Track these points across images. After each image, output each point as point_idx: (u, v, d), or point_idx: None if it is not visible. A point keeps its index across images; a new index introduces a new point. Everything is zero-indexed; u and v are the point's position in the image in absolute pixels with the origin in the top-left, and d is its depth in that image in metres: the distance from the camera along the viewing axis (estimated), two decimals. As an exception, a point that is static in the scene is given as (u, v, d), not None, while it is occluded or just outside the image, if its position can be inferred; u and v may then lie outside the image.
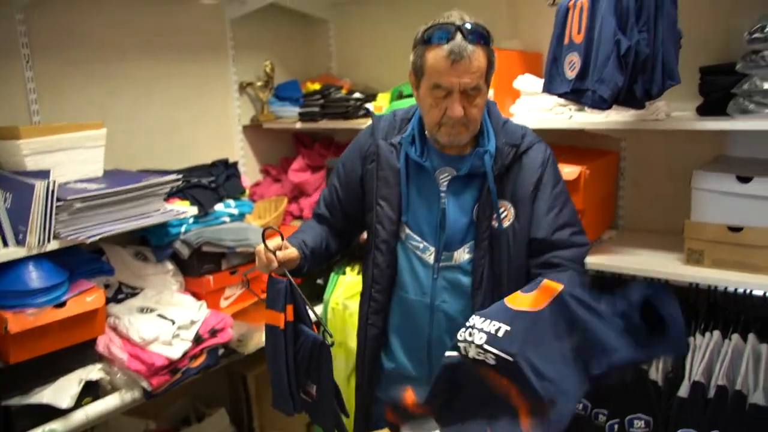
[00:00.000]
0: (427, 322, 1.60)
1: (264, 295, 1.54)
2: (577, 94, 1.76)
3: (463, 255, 1.58)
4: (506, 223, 1.55)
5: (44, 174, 1.78)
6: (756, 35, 1.69)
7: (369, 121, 2.51)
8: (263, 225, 2.50)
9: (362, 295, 1.73)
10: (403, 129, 1.62)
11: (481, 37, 1.43)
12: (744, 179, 1.83)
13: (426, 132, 1.60)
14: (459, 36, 1.40)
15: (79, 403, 1.82)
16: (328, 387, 1.55)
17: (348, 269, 2.64)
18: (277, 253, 1.50)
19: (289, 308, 1.50)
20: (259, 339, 2.27)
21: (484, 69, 1.45)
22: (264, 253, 1.49)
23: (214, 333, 2.07)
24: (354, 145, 1.73)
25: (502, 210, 1.55)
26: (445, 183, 1.57)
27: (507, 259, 1.55)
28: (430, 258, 1.59)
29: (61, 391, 1.79)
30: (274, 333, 1.52)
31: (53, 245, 1.76)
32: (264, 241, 1.50)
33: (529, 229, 1.56)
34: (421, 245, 1.60)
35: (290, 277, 1.50)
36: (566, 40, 1.78)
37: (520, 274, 1.56)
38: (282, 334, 1.50)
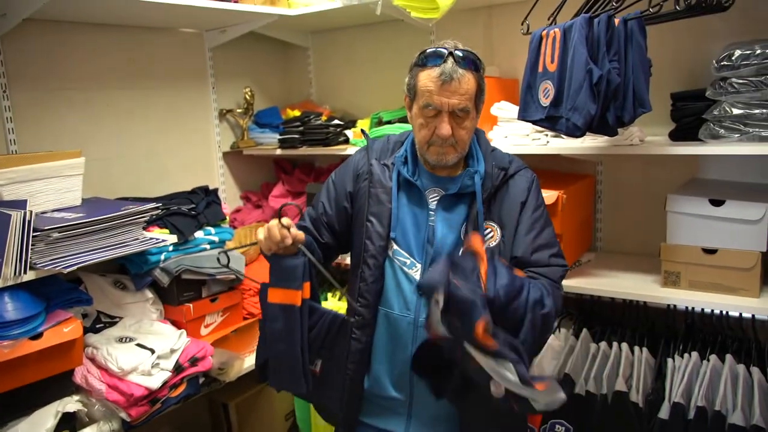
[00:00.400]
0: (410, 339, 1.60)
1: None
2: (551, 121, 1.80)
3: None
4: (492, 244, 1.59)
5: (21, 204, 1.77)
6: (724, 63, 1.74)
7: (348, 147, 2.56)
8: (244, 252, 2.49)
9: (348, 310, 1.73)
10: (396, 151, 1.69)
11: (471, 63, 1.52)
12: (716, 202, 1.87)
13: (417, 152, 1.66)
14: (450, 60, 1.49)
15: (55, 437, 1.79)
16: (341, 362, 1.59)
17: (329, 294, 2.64)
18: (291, 229, 1.50)
19: (306, 285, 1.51)
20: (240, 367, 2.25)
21: (473, 93, 1.53)
22: (278, 228, 1.49)
23: (194, 362, 2.05)
24: (347, 163, 1.77)
25: (488, 231, 1.59)
26: (434, 202, 1.61)
27: None
28: (416, 274, 1.60)
29: (37, 425, 1.76)
30: (287, 311, 1.52)
31: (30, 276, 1.74)
32: (279, 216, 1.50)
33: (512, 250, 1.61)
34: (408, 261, 1.61)
35: (308, 253, 1.50)
36: (540, 68, 1.82)
37: None
38: (298, 312, 1.51)
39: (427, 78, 1.51)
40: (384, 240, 1.62)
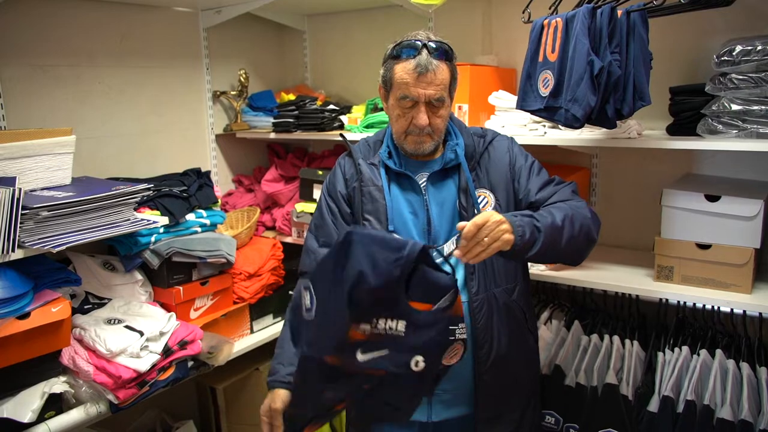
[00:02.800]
0: None
1: None
2: (550, 112, 1.78)
3: (450, 246, 1.63)
4: (488, 209, 1.62)
5: (10, 181, 1.74)
6: (724, 58, 1.73)
7: (342, 132, 2.54)
8: (235, 235, 2.47)
9: None
10: (378, 149, 1.71)
11: (444, 53, 1.56)
12: (712, 198, 1.87)
13: (395, 142, 1.68)
14: (425, 52, 1.53)
15: (41, 418, 1.77)
16: None
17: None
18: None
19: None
20: (229, 351, 2.24)
21: (447, 82, 1.57)
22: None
23: (183, 345, 2.03)
24: (334, 172, 1.77)
25: (481, 198, 1.64)
26: (424, 185, 1.65)
27: None
28: None
29: (23, 405, 1.74)
30: None
31: (17, 254, 1.71)
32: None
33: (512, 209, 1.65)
34: None
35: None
36: (540, 58, 1.81)
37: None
38: None
39: (403, 70, 1.55)
40: None
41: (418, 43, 1.53)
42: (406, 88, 1.54)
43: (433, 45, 1.53)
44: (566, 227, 1.48)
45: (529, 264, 1.85)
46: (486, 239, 1.35)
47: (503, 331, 1.64)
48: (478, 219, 1.36)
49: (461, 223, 1.37)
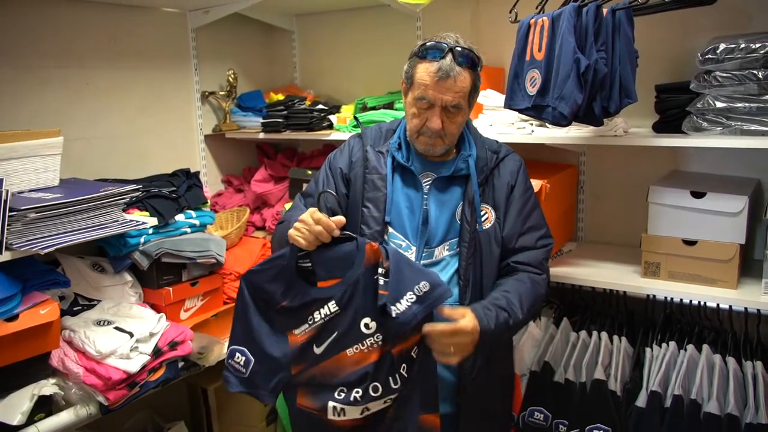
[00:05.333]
0: None
1: None
2: (537, 110, 1.80)
3: (443, 252, 1.64)
4: (487, 225, 1.63)
5: (-3, 182, 1.73)
6: (708, 56, 1.75)
7: (332, 132, 2.55)
8: (225, 236, 2.47)
9: None
10: (389, 138, 1.72)
11: (469, 60, 1.54)
12: (698, 194, 1.89)
13: (407, 138, 1.68)
14: (450, 56, 1.51)
15: (31, 420, 1.76)
16: None
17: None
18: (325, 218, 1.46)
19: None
20: (219, 351, 2.23)
21: (467, 91, 1.56)
22: (324, 220, 1.44)
23: (173, 346, 2.03)
24: (342, 149, 1.78)
25: (484, 213, 1.64)
26: (427, 185, 1.65)
27: (489, 257, 1.63)
28: (411, 256, 1.62)
29: (12, 408, 1.73)
30: None
31: (5, 256, 1.70)
32: (320, 204, 1.48)
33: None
34: (404, 244, 1.64)
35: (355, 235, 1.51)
36: (527, 57, 1.82)
37: (495, 272, 1.65)
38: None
39: (425, 71, 1.53)
40: (380, 224, 1.64)
41: (445, 46, 1.52)
42: (425, 90, 1.53)
43: (459, 50, 1.51)
44: (524, 318, 1.53)
45: None
46: (451, 348, 1.40)
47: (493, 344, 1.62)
48: (461, 326, 1.39)
49: (447, 312, 1.42)
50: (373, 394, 1.42)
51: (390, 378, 1.43)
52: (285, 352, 1.46)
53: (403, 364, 1.44)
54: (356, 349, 1.43)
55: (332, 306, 1.44)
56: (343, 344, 1.44)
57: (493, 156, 1.67)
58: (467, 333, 1.39)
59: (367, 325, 1.43)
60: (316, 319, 1.45)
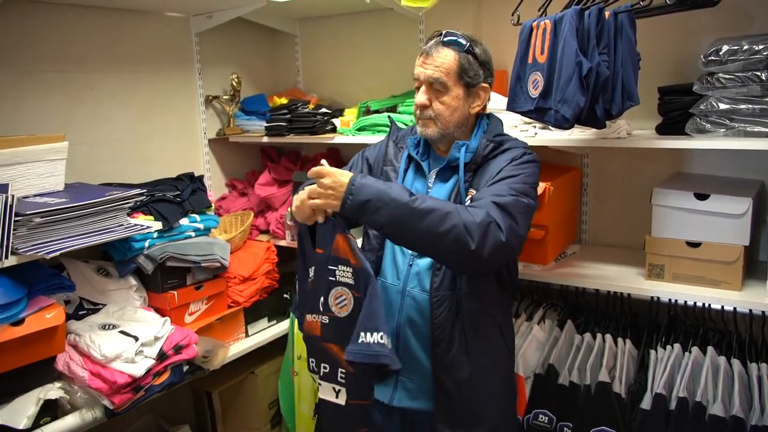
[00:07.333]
0: (398, 307, 1.69)
1: None
2: (540, 113, 1.80)
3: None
4: None
5: (2, 188, 1.74)
6: (711, 58, 1.75)
7: (335, 136, 2.57)
8: (229, 240, 2.48)
9: None
10: (415, 134, 1.78)
11: (454, 41, 1.64)
12: (701, 196, 1.88)
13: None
14: (437, 38, 1.66)
15: (36, 424, 1.77)
16: None
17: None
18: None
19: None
20: (224, 355, 2.24)
21: (452, 68, 1.63)
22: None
23: (178, 349, 2.03)
24: (377, 144, 1.91)
25: (468, 197, 1.63)
26: (432, 178, 1.72)
27: None
28: None
29: (18, 412, 1.74)
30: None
31: (11, 261, 1.71)
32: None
33: None
34: None
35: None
36: (530, 60, 1.82)
37: None
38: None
39: (419, 57, 1.68)
40: None
41: (438, 33, 1.66)
42: (415, 69, 1.67)
43: (446, 32, 1.64)
44: (428, 218, 1.41)
45: (518, 275, 1.84)
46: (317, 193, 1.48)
47: (470, 339, 1.63)
48: (323, 170, 1.47)
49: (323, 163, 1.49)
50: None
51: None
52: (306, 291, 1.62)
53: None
54: (315, 317, 1.57)
55: (311, 272, 1.58)
56: (314, 306, 1.56)
57: (488, 144, 1.65)
58: (329, 181, 1.46)
59: (322, 304, 1.54)
60: (310, 275, 1.59)
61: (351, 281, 1.49)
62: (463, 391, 1.64)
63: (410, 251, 1.68)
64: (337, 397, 1.52)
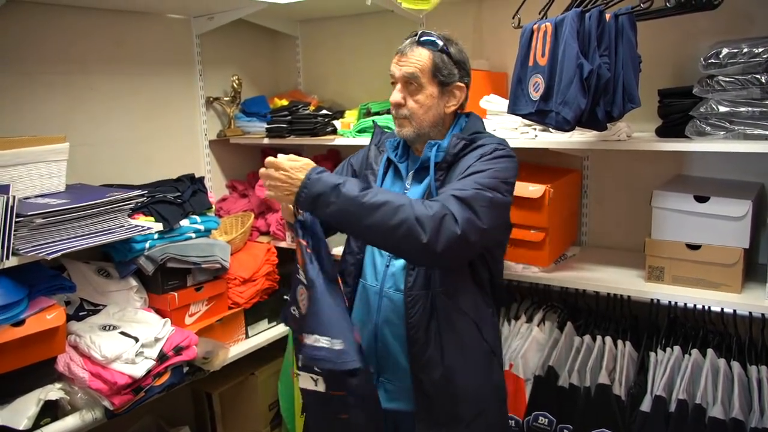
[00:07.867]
0: (376, 307, 1.71)
1: None
2: (541, 115, 1.80)
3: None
4: None
5: (4, 188, 1.74)
6: (711, 60, 1.76)
7: (336, 138, 2.57)
8: (229, 241, 2.48)
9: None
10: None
11: (429, 41, 1.65)
12: (701, 199, 1.89)
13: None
14: (412, 38, 1.68)
15: (37, 425, 1.77)
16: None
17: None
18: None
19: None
20: (224, 356, 2.24)
21: (425, 66, 1.64)
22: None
23: (178, 351, 2.03)
24: (364, 149, 1.91)
25: None
26: (410, 179, 1.73)
27: None
28: None
29: (18, 413, 1.74)
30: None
31: (12, 262, 1.71)
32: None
33: None
34: None
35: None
36: (531, 62, 1.82)
37: None
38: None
39: (394, 55, 1.70)
40: None
41: (415, 33, 1.67)
42: (390, 67, 1.68)
43: (422, 32, 1.66)
44: (379, 211, 1.39)
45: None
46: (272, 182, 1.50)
47: (445, 338, 1.62)
48: (277, 162, 1.50)
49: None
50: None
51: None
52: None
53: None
54: (293, 309, 1.62)
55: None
56: (293, 299, 1.61)
57: (459, 142, 1.62)
58: (280, 168, 1.50)
59: (294, 298, 1.60)
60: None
61: (305, 281, 1.53)
62: (441, 390, 1.64)
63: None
64: (316, 385, 1.53)
